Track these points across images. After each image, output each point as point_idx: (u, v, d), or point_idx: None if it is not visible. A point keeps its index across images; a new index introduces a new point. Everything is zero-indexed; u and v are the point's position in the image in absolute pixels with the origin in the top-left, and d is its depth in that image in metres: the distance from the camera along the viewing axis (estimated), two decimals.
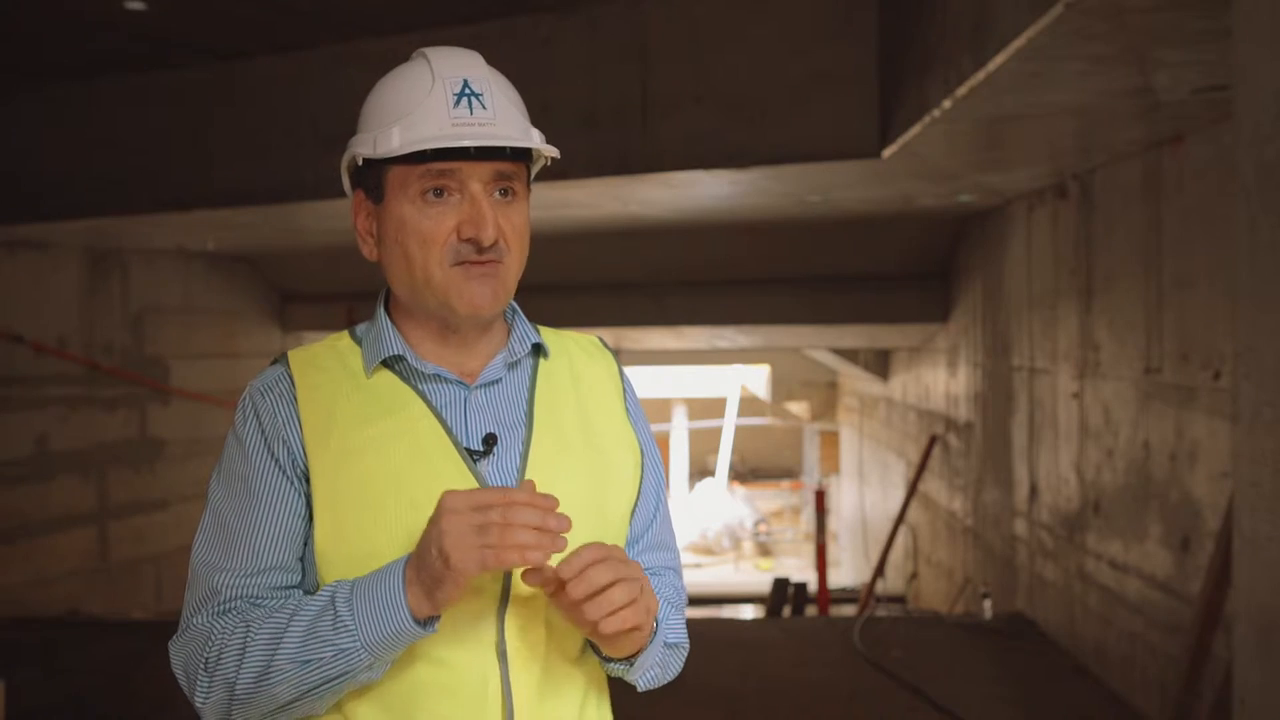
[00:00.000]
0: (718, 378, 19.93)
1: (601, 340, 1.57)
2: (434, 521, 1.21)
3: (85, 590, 8.41)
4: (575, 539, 1.35)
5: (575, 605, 1.23)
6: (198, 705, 1.30)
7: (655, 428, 19.49)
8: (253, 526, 1.33)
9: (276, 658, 1.24)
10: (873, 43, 5.18)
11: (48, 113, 6.95)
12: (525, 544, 1.17)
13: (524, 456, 1.38)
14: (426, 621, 1.24)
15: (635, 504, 1.47)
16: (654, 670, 1.43)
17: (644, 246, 8.88)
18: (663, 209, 7.22)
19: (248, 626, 1.28)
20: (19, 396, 8.14)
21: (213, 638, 1.29)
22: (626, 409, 1.51)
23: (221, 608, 1.32)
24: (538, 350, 1.47)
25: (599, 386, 1.50)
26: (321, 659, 1.24)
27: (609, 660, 1.38)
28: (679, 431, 20.66)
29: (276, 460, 1.34)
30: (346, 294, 10.13)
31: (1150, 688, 4.78)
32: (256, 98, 6.40)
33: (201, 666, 1.28)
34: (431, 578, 1.20)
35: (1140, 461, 4.88)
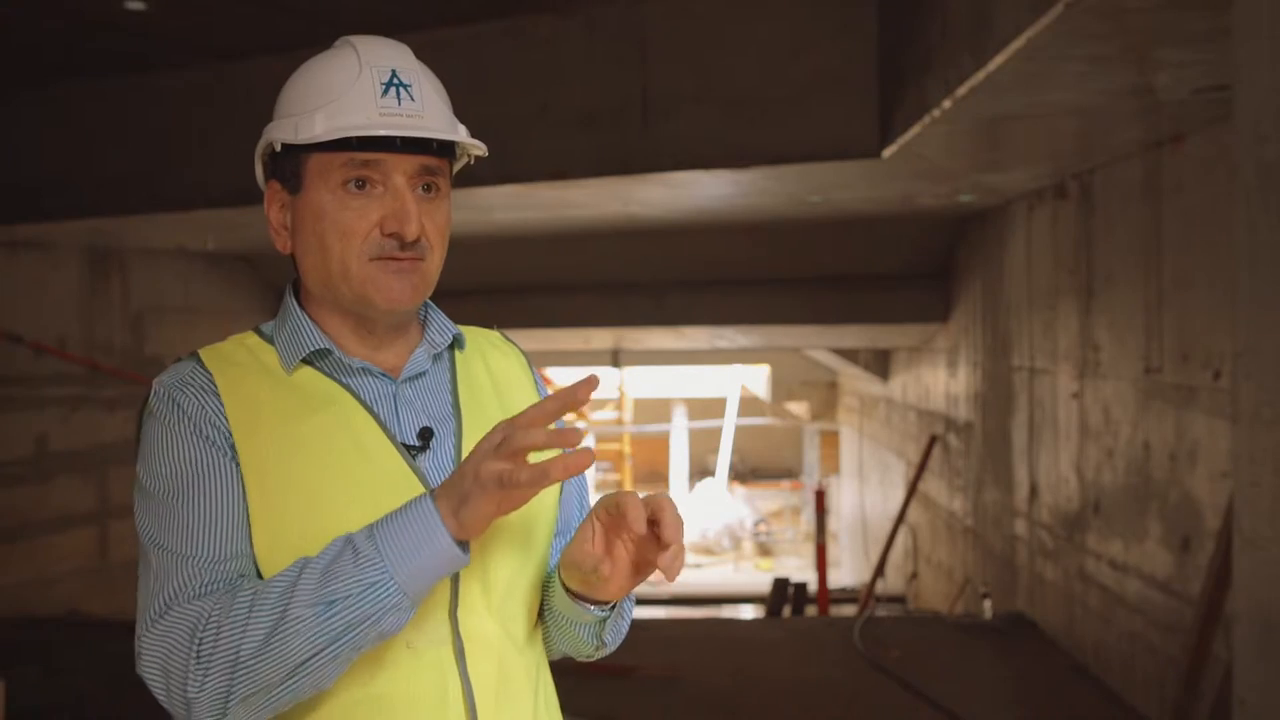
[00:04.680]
0: (718, 378, 19.92)
1: (504, 334, 1.57)
2: (478, 443, 1.18)
3: (85, 590, 8.40)
4: (511, 532, 1.35)
5: (645, 542, 1.25)
6: (190, 697, 1.17)
7: (655, 427, 19.30)
8: (210, 513, 1.26)
9: (292, 607, 1.15)
10: (873, 43, 5.18)
11: (48, 113, 6.95)
12: (533, 444, 1.12)
13: (457, 449, 1.37)
14: (463, 545, 1.17)
15: (561, 490, 1.47)
16: (625, 620, 1.45)
17: (644, 246, 8.88)
18: (663, 209, 7.22)
19: (253, 589, 1.19)
20: (19, 396, 8.14)
21: (203, 618, 1.19)
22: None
23: (201, 590, 1.23)
24: (454, 343, 1.46)
25: (513, 378, 1.50)
26: (349, 595, 1.15)
27: (595, 606, 1.35)
28: (679, 431, 20.65)
29: (214, 445, 1.27)
30: None
31: (1150, 688, 4.78)
32: (256, 97, 6.36)
33: (193, 657, 1.17)
34: (459, 495, 1.15)
35: (1140, 461, 4.88)
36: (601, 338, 11.68)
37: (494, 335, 1.55)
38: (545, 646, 1.47)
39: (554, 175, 5.70)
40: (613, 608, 1.37)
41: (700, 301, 9.33)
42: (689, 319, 9.58)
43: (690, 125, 5.52)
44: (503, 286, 8.98)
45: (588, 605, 1.35)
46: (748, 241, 8.64)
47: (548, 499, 1.44)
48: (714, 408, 20.89)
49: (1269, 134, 1.92)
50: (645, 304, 9.38)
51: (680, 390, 20.54)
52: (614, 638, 1.45)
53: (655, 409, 21.45)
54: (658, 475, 21.81)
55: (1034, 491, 6.43)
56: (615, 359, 13.68)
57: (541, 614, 1.44)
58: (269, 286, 10.63)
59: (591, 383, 1.15)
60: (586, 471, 1.37)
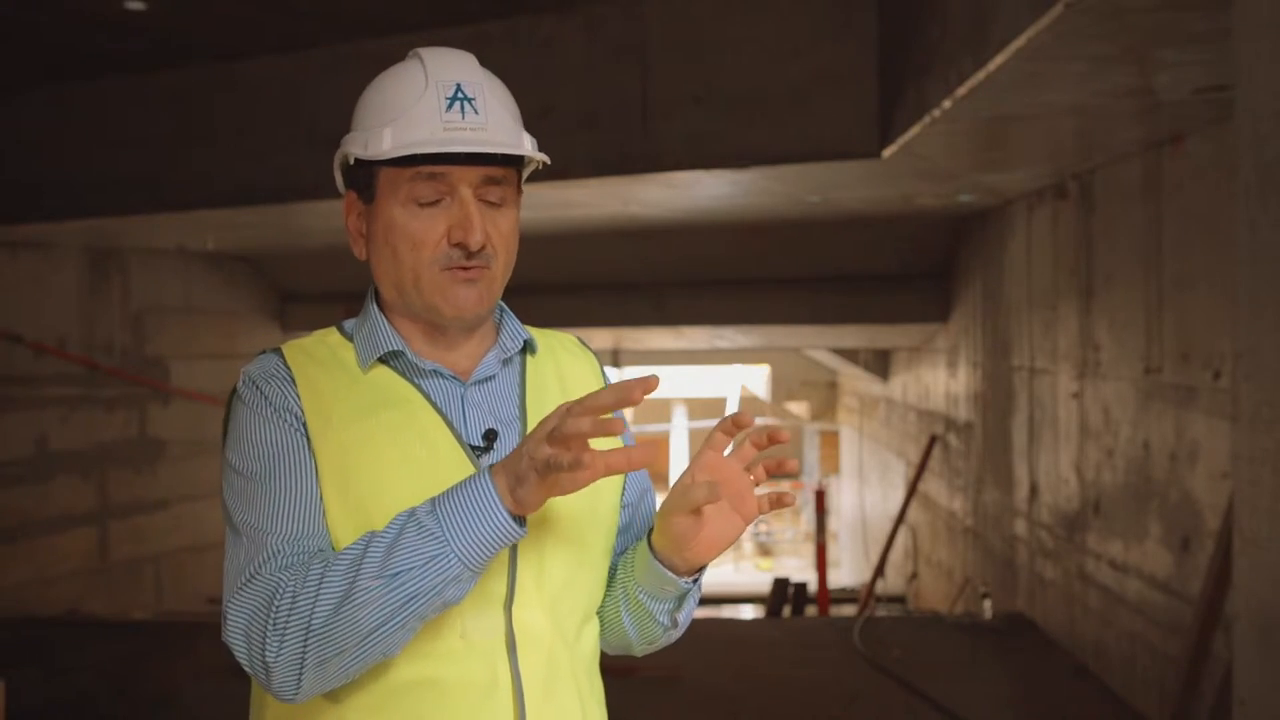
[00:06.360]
0: (718, 378, 19.90)
1: (581, 340, 1.62)
2: (537, 424, 1.23)
3: (85, 590, 8.41)
4: (568, 532, 1.40)
5: (745, 490, 1.34)
6: (269, 662, 1.24)
7: (655, 427, 19.29)
8: (292, 493, 1.33)
9: (360, 578, 1.22)
10: (873, 43, 5.18)
11: (48, 112, 6.94)
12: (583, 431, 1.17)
13: None
14: (519, 520, 1.23)
15: (623, 491, 1.51)
16: (695, 604, 1.49)
17: (644, 246, 8.88)
18: (663, 209, 7.22)
19: (325, 561, 1.26)
20: (19, 396, 8.14)
21: (281, 588, 1.26)
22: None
23: (284, 562, 1.30)
24: (525, 348, 1.51)
25: (583, 384, 1.53)
26: (411, 567, 1.21)
27: (682, 578, 1.40)
28: (679, 431, 20.64)
29: (295, 430, 1.36)
30: (346, 294, 10.11)
31: (1150, 688, 4.78)
32: (256, 98, 6.39)
33: (270, 625, 1.24)
34: (515, 475, 1.21)
35: (1140, 461, 4.88)
36: (601, 338, 11.68)
37: (570, 340, 1.60)
38: (604, 637, 1.52)
39: (556, 175, 5.70)
40: (695, 581, 1.42)
41: (700, 301, 9.33)
42: (689, 319, 9.58)
43: (690, 125, 5.52)
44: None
45: (673, 576, 1.40)
46: (748, 241, 8.64)
47: (609, 498, 1.48)
48: (714, 408, 20.87)
49: (1269, 134, 1.92)
50: (645, 304, 9.38)
51: (680, 390, 20.52)
52: (686, 617, 1.49)
53: (655, 409, 21.44)
54: (658, 475, 21.74)
55: (1034, 491, 6.43)
56: (615, 359, 13.68)
57: (608, 602, 1.49)
58: (269, 286, 10.63)
59: (649, 384, 1.19)
60: (646, 473, 1.51)
